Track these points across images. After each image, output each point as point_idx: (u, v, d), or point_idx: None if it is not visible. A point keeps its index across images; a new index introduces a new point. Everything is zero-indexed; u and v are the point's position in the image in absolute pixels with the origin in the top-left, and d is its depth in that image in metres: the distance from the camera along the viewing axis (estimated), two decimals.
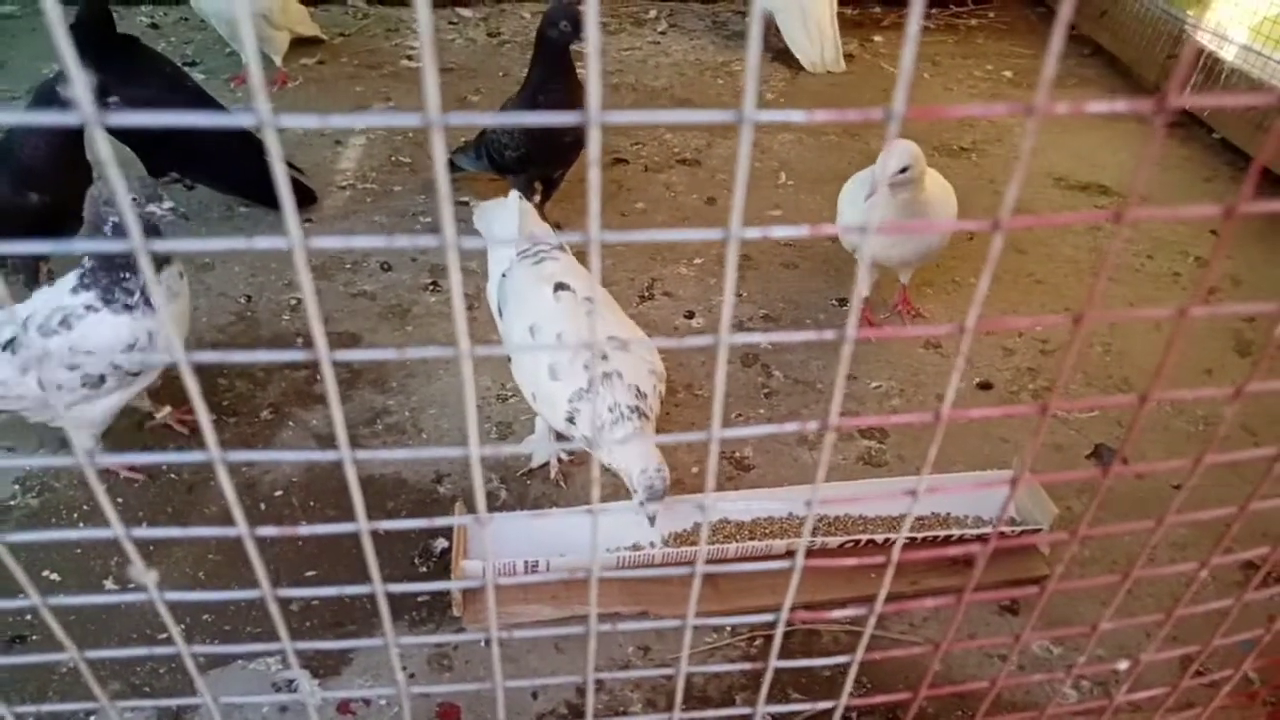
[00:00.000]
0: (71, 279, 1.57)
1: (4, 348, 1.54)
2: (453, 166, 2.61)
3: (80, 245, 1.71)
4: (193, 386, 0.37)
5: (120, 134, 2.36)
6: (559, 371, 1.51)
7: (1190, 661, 0.71)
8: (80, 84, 0.28)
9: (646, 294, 2.35)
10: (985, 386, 2.13)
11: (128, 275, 1.52)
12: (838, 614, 0.52)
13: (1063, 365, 0.41)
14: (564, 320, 1.58)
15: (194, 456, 0.39)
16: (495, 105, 3.19)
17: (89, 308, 1.52)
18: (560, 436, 1.70)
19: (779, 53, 3.68)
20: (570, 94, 2.22)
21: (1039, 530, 1.65)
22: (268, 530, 0.43)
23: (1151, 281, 2.54)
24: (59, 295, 1.56)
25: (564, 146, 2.31)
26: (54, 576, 1.55)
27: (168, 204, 1.54)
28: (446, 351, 0.36)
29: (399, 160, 2.84)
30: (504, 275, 1.71)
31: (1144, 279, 2.54)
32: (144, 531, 0.43)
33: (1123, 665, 0.59)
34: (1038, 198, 2.86)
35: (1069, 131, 3.28)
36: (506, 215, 1.85)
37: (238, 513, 0.42)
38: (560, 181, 2.47)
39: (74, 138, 1.92)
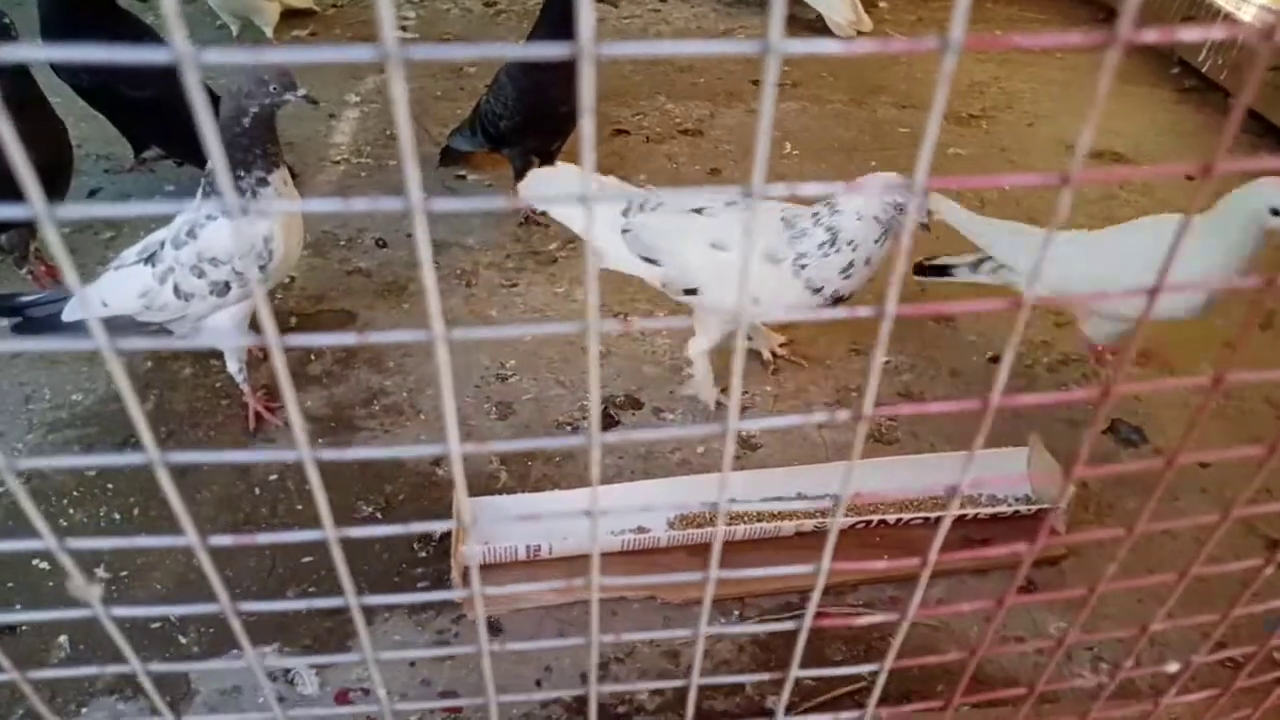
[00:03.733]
0: (200, 194, 1.61)
1: (146, 261, 1.59)
2: (450, 152, 2.50)
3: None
4: (121, 377, 0.32)
5: (102, 109, 2.29)
6: (777, 252, 1.60)
7: (1235, 662, 0.65)
8: None
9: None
10: (996, 360, 2.07)
11: (241, 174, 1.54)
12: (865, 620, 0.47)
13: (1139, 333, 0.36)
14: (735, 223, 1.65)
15: (133, 459, 0.34)
16: (492, 74, 3.12)
17: (210, 216, 1.55)
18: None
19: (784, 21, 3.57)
20: (566, 63, 2.14)
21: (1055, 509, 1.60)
22: (221, 540, 0.38)
23: None
24: (192, 210, 1.59)
25: (560, 116, 2.23)
26: (43, 566, 1.51)
27: (302, 91, 1.54)
28: (418, 335, 0.31)
29: (394, 134, 2.77)
30: (625, 232, 1.72)
31: None
32: (81, 543, 0.38)
33: (1173, 668, 0.54)
34: (1049, 166, 2.79)
35: (1083, 98, 3.20)
36: (566, 179, 1.85)
37: (185, 520, 0.37)
38: (557, 155, 2.39)
39: (34, 89, 1.87)
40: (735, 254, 1.63)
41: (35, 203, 0.26)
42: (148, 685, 0.44)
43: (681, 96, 3.06)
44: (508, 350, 2.01)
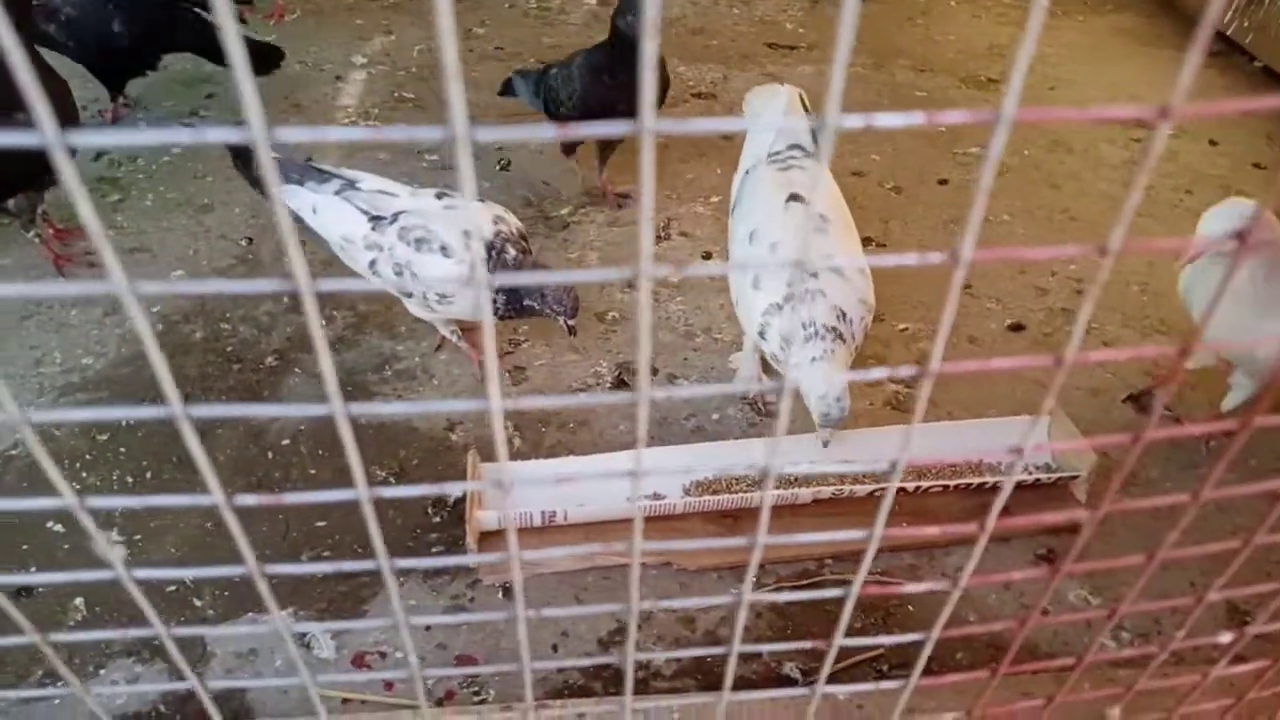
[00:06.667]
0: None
1: (369, 220, 1.63)
2: (509, 88, 2.35)
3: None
4: (144, 328, 0.30)
5: (66, 50, 2.26)
6: (761, 281, 1.49)
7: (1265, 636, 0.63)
8: None
9: (662, 234, 2.25)
10: (1017, 328, 2.04)
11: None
12: (912, 588, 0.45)
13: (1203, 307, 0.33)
14: (784, 231, 1.54)
15: (153, 411, 0.32)
16: (502, 35, 3.06)
17: (444, 250, 1.59)
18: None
19: None
20: (629, 85, 2.02)
21: (1075, 477, 1.58)
22: (247, 500, 0.36)
23: (1191, 218, 2.41)
24: (438, 212, 1.63)
25: (618, 114, 2.17)
26: (57, 528, 1.51)
27: (572, 322, 1.65)
28: (449, 287, 0.29)
29: (402, 96, 2.72)
30: (747, 172, 1.68)
31: (1183, 215, 2.43)
32: (101, 501, 0.36)
33: (1225, 638, 0.52)
34: (1072, 132, 2.73)
35: (1104, 61, 3.13)
36: (774, 105, 1.78)
37: (212, 480, 0.35)
38: (616, 147, 2.31)
39: (32, 48, 1.86)
40: (754, 253, 1.57)
41: (46, 129, 0.24)
42: (171, 648, 0.42)
43: (694, 59, 3.00)
44: None
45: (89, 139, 0.25)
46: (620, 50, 1.99)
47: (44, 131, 0.24)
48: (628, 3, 1.94)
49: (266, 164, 0.25)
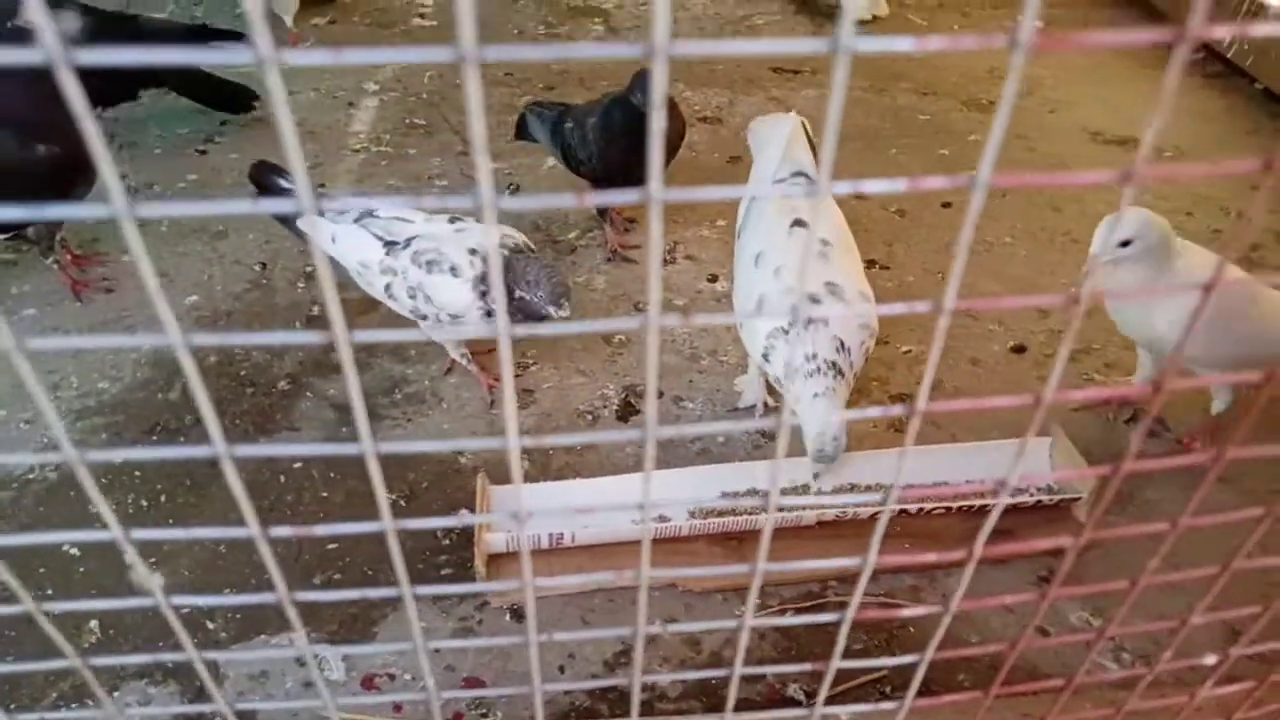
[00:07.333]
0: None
1: (385, 246, 1.67)
2: (524, 130, 2.30)
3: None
4: (191, 369, 0.33)
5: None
6: (766, 305, 1.51)
7: (1263, 656, 0.65)
8: (39, 12, 0.23)
9: (668, 257, 2.28)
10: (1019, 350, 2.06)
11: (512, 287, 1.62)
12: (909, 612, 0.47)
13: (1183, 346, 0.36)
14: (789, 256, 1.56)
15: (198, 450, 0.35)
16: (510, 62, 3.11)
17: (454, 271, 1.63)
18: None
19: (802, 5, 3.56)
20: (637, 153, 2.05)
21: (1077, 499, 1.60)
22: (282, 531, 0.38)
23: (1191, 240, 2.44)
24: (449, 237, 1.67)
25: (634, 178, 2.20)
26: (73, 551, 1.53)
27: (565, 312, 1.62)
28: (482, 331, 0.31)
29: (414, 122, 2.77)
30: (753, 199, 1.71)
31: (1184, 238, 2.45)
32: (144, 533, 0.39)
33: (1210, 660, 0.54)
34: (1073, 154, 2.76)
35: (1104, 83, 3.16)
36: (778, 136, 1.81)
37: (248, 512, 0.38)
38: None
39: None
40: (759, 276, 1.58)
41: (117, 202, 0.27)
42: (202, 671, 0.45)
43: (700, 84, 3.05)
44: (525, 340, 2.02)
45: (155, 210, 0.28)
46: (633, 119, 2.01)
47: (115, 204, 0.26)
48: (638, 84, 1.97)
49: (311, 226, 0.28)
